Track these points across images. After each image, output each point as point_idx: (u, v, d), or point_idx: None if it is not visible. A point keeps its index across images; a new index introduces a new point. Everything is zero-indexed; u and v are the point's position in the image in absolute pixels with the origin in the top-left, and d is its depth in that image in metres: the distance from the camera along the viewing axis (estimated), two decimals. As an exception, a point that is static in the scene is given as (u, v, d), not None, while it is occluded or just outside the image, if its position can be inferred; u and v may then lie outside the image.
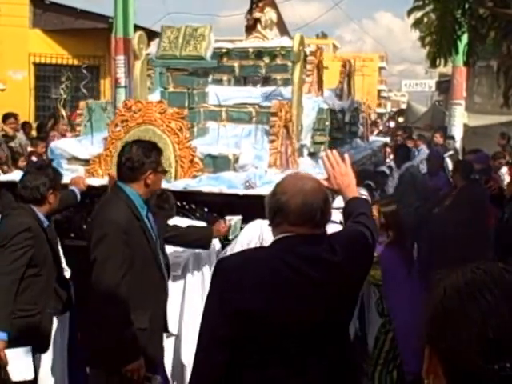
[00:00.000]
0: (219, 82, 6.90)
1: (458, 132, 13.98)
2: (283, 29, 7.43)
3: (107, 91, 15.52)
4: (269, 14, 7.03)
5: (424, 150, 10.87)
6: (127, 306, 3.56)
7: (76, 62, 15.69)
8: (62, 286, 4.45)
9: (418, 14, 7.06)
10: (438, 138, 11.95)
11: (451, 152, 10.60)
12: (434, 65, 7.64)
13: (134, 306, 3.60)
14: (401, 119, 25.00)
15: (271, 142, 5.32)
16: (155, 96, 6.14)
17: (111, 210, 3.74)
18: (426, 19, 7.12)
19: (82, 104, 5.99)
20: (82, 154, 5.52)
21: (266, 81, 6.89)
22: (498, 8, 6.19)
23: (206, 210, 4.99)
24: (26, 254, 4.07)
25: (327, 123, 6.52)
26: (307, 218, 2.42)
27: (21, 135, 10.53)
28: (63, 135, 9.61)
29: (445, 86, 26.97)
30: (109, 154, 5.28)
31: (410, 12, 6.97)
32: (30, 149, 9.80)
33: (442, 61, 7.24)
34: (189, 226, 4.49)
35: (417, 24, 7.19)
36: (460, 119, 14.55)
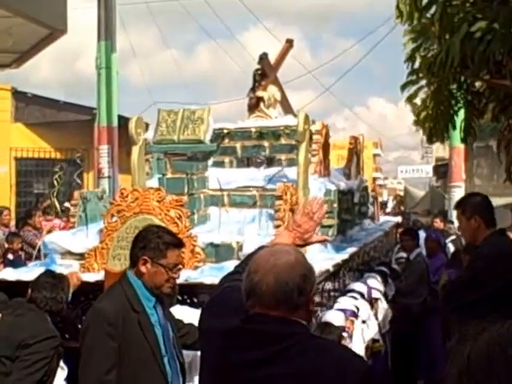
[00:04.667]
0: (221, 164, 6.63)
1: (458, 216, 13.55)
2: (287, 107, 7.18)
3: (90, 184, 15.19)
4: (272, 92, 6.82)
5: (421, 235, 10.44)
6: None
7: (59, 156, 15.54)
8: None
9: (412, 89, 6.84)
10: (439, 223, 11.34)
11: (453, 237, 10.15)
12: (430, 141, 7.41)
13: None
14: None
15: (276, 227, 4.99)
16: (154, 182, 5.87)
17: (103, 299, 3.51)
18: (420, 94, 6.89)
19: (76, 194, 5.71)
20: (76, 248, 5.20)
21: (270, 162, 6.61)
22: (495, 80, 5.95)
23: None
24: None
25: (335, 205, 6.20)
26: (282, 299, 2.09)
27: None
28: (37, 228, 9.28)
29: (442, 170, 26.81)
30: (105, 246, 4.95)
31: (403, 87, 6.77)
32: (6, 245, 9.38)
33: (439, 137, 7.03)
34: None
35: (411, 99, 6.97)
36: (460, 202, 14.17)
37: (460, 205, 4.83)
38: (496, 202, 17.78)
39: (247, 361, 2.07)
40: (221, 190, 5.52)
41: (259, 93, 6.92)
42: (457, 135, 12.47)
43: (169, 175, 5.33)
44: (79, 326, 4.80)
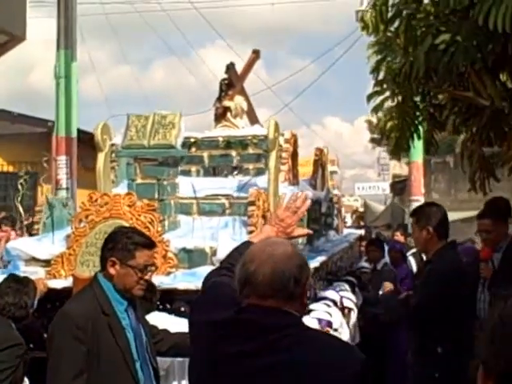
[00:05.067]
0: (187, 173, 6.54)
1: (418, 229, 13.69)
2: (253, 118, 7.16)
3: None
4: (239, 102, 6.79)
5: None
6: None
7: (12, 169, 14.99)
8: None
9: (378, 99, 6.91)
10: (399, 236, 11.37)
11: (414, 250, 10.24)
12: (396, 151, 7.47)
13: None
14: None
15: (249, 232, 4.92)
16: (119, 190, 5.74)
17: (71, 302, 3.38)
18: (386, 104, 6.96)
19: (41, 200, 5.55)
20: (41, 254, 5.04)
21: (238, 171, 6.56)
22: (458, 91, 6.05)
23: (182, 309, 4.53)
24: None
25: (305, 214, 6.16)
26: (278, 288, 2.06)
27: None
28: None
29: (399, 186, 27.28)
30: (72, 252, 4.81)
31: (369, 98, 6.83)
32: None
33: (404, 148, 7.10)
34: (177, 334, 3.97)
35: (376, 110, 7.05)
36: (420, 216, 14.35)
37: (415, 213, 4.89)
38: (453, 216, 18.15)
39: (243, 352, 2.03)
40: (195, 198, 5.43)
41: (226, 102, 6.88)
42: (417, 150, 12.70)
43: (139, 180, 5.22)
44: (45, 335, 4.65)
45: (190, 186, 5.48)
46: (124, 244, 3.34)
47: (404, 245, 10.49)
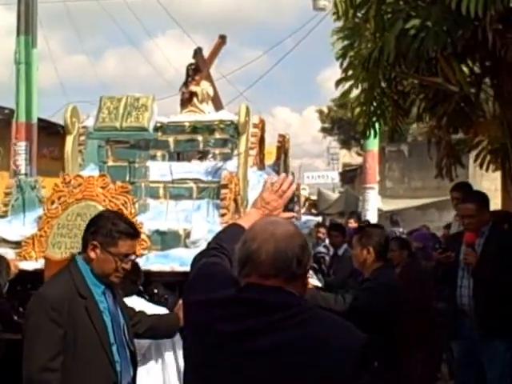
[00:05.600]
0: (153, 158, 6.51)
1: (372, 216, 13.97)
2: (218, 104, 7.17)
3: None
4: (206, 88, 6.80)
5: None
6: None
7: None
8: None
9: (347, 85, 7.03)
10: (353, 224, 11.47)
11: None
12: (364, 136, 7.61)
13: None
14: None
15: (222, 215, 4.97)
16: (86, 173, 5.69)
17: (47, 285, 3.39)
18: (354, 90, 7.07)
19: (10, 182, 5.48)
20: (11, 236, 4.98)
21: (203, 156, 6.58)
22: (426, 77, 6.18)
23: (155, 291, 4.55)
24: None
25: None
26: (281, 267, 2.05)
27: None
28: None
29: (350, 175, 27.62)
30: (43, 234, 4.77)
31: (337, 83, 6.93)
32: None
33: (372, 133, 7.23)
34: (153, 316, 3.98)
35: (345, 95, 7.15)
36: (374, 203, 14.63)
37: (359, 231, 5.05)
38: (407, 203, 18.43)
39: (244, 331, 2.02)
40: (172, 181, 5.42)
41: (192, 87, 6.86)
42: (372, 141, 12.91)
43: (110, 163, 5.19)
44: (15, 318, 4.61)
45: (165, 168, 5.47)
46: (109, 230, 3.35)
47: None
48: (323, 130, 37.45)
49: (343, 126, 34.49)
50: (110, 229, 3.35)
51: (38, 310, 3.20)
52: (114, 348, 3.35)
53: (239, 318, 2.03)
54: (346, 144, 36.90)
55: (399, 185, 19.78)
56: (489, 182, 13.84)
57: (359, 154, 33.60)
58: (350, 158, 36.52)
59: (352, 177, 26.23)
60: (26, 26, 10.02)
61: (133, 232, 3.46)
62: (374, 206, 14.46)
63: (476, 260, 5.14)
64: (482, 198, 5.38)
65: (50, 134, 14.50)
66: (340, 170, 36.62)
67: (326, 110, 36.49)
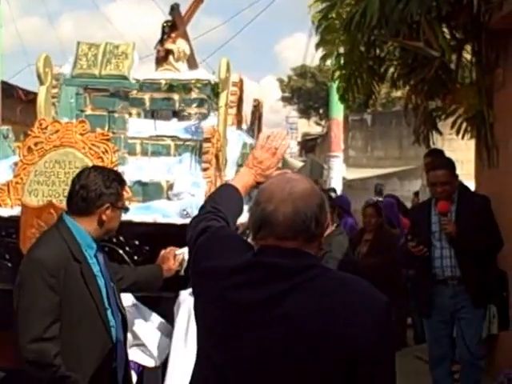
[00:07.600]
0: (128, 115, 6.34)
1: (337, 185, 14.08)
2: (193, 64, 7.02)
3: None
4: (182, 46, 6.62)
5: None
6: (57, 368, 2.99)
7: None
8: None
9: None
10: None
11: None
12: (342, 100, 7.56)
13: (68, 369, 3.02)
14: None
15: (204, 169, 4.85)
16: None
17: (40, 247, 3.17)
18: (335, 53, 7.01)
19: (-17, 130, 5.25)
20: (-15, 183, 4.76)
21: (179, 115, 6.42)
22: (407, 41, 6.14)
23: (136, 242, 4.40)
24: None
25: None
26: (300, 229, 1.95)
27: None
28: None
29: (310, 145, 27.63)
30: (19, 181, 4.58)
31: (317, 46, 6.87)
32: None
33: (351, 97, 7.18)
34: (137, 271, 3.85)
35: (325, 58, 7.08)
36: (339, 172, 14.71)
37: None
38: (369, 173, 18.49)
39: (265, 296, 1.92)
40: (157, 136, 5.27)
41: (168, 45, 6.67)
42: (336, 106, 12.88)
43: (88, 112, 5.01)
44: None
45: (142, 125, 5.32)
46: (115, 189, 3.29)
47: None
48: (283, 99, 37.28)
49: (302, 95, 34.45)
50: (115, 186, 3.31)
51: (33, 276, 3.04)
52: (109, 312, 3.25)
53: (258, 283, 1.94)
54: (305, 113, 36.83)
55: (362, 154, 19.78)
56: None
57: (318, 124, 33.75)
58: (309, 127, 36.44)
59: (312, 146, 26.21)
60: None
61: (124, 179, 3.47)
62: (338, 174, 14.51)
63: (455, 229, 5.10)
64: (453, 165, 5.36)
65: (8, 96, 14.15)
66: (299, 139, 36.59)
67: (286, 79, 36.41)
